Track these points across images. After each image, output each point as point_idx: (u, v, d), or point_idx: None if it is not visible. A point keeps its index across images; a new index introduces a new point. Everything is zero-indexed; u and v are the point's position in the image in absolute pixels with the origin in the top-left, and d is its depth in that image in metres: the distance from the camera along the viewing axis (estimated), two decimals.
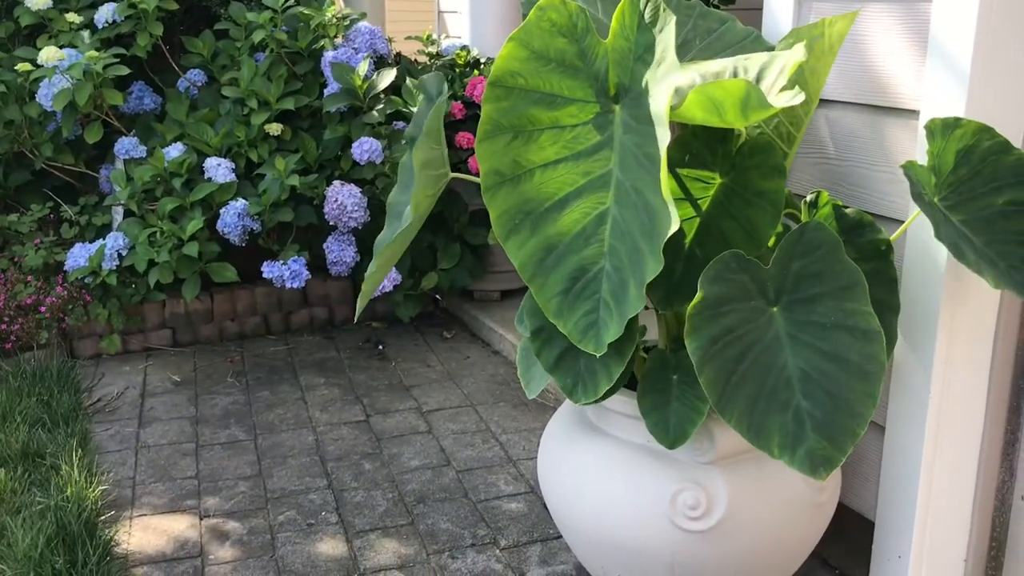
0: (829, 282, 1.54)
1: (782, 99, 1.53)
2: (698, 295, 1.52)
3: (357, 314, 1.94)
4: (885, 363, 1.50)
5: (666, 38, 1.59)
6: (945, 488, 1.95)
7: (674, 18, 1.59)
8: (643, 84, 1.65)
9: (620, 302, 1.60)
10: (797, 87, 1.51)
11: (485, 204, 1.70)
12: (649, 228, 1.58)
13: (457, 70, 3.88)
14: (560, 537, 2.39)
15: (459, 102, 3.68)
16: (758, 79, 1.67)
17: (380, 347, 3.68)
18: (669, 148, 1.76)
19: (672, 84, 1.54)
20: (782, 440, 1.50)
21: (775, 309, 1.58)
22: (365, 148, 3.39)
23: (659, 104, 1.56)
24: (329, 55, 3.57)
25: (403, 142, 3.13)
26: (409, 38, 4.28)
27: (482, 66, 3.94)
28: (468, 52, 3.95)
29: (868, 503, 2.10)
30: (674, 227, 1.51)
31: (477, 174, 3.60)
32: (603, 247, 1.65)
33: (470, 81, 3.71)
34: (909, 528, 1.96)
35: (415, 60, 4.10)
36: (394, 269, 3.48)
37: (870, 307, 1.50)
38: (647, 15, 1.64)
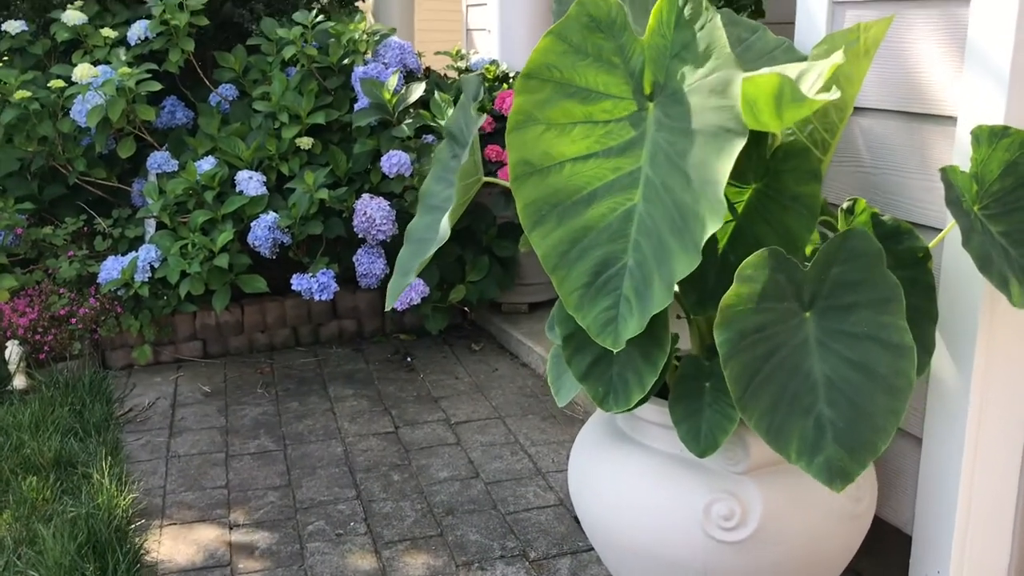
0: (867, 292, 1.52)
1: (819, 97, 1.52)
2: (733, 288, 1.51)
3: (388, 306, 1.94)
4: (914, 380, 1.47)
5: (711, 35, 1.58)
6: (985, 500, 1.91)
7: (718, 14, 1.57)
8: (678, 81, 1.64)
9: (642, 299, 1.59)
10: (834, 87, 1.50)
11: (513, 193, 1.70)
12: (680, 225, 1.56)
13: (486, 84, 3.89)
14: (591, 549, 2.37)
15: (488, 115, 3.68)
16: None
17: (408, 359, 3.68)
18: None
19: (735, 78, 1.53)
20: (800, 446, 1.48)
21: (808, 314, 1.56)
22: (394, 161, 3.40)
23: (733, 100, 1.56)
24: (359, 70, 3.60)
25: (432, 151, 3.14)
26: (439, 53, 4.30)
27: (511, 80, 3.95)
28: (497, 67, 3.97)
29: (905, 517, 2.06)
30: (714, 226, 1.50)
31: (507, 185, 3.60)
32: (628, 243, 1.64)
33: (499, 95, 3.72)
34: (948, 542, 1.92)
35: (444, 75, 4.12)
36: (421, 281, 3.49)
37: (905, 322, 1.48)
38: (687, 12, 1.63)
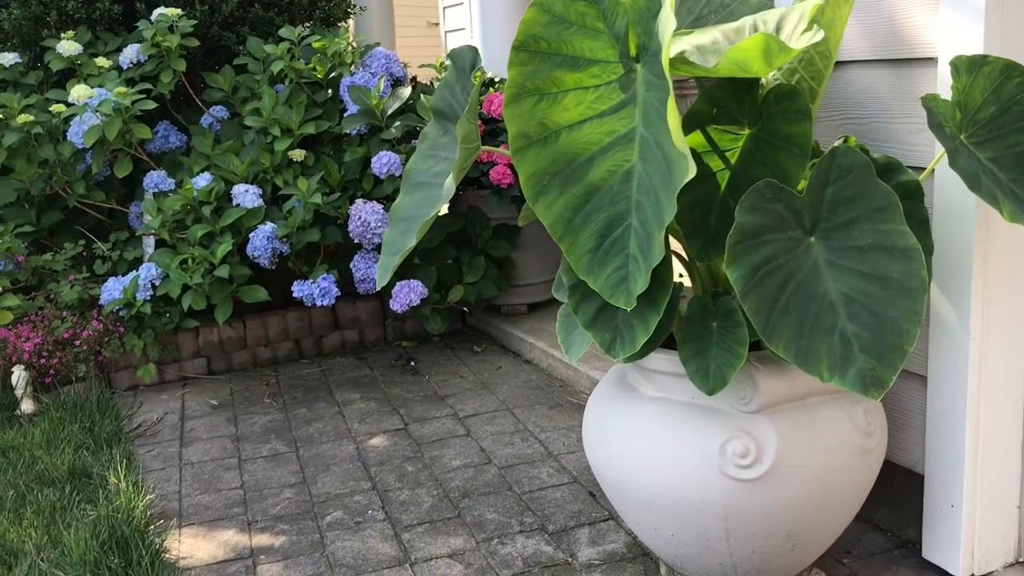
0: (863, 205, 1.57)
1: (803, 40, 1.58)
2: (735, 224, 1.55)
3: (379, 285, 1.97)
4: (927, 280, 1.52)
5: None
6: (992, 432, 1.95)
7: None
8: (661, 40, 1.69)
9: (647, 255, 1.63)
10: (816, 26, 1.56)
11: (515, 167, 1.75)
12: (668, 178, 1.61)
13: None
14: (608, 519, 2.39)
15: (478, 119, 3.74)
16: (777, 30, 1.71)
17: (412, 363, 3.71)
18: (697, 102, 1.80)
19: (672, 36, 1.58)
20: (831, 363, 1.52)
21: (812, 239, 1.60)
22: (384, 161, 3.45)
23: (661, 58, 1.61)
24: (347, 79, 3.66)
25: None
26: (423, 66, 4.37)
27: (496, 84, 4.02)
28: (483, 72, 4.03)
29: (915, 456, 2.09)
30: (690, 174, 1.53)
31: (499, 185, 3.66)
32: (630, 203, 1.69)
33: (486, 98, 3.78)
34: (959, 476, 1.95)
35: (430, 83, 4.18)
36: (420, 283, 3.52)
37: (906, 226, 1.53)
38: None
